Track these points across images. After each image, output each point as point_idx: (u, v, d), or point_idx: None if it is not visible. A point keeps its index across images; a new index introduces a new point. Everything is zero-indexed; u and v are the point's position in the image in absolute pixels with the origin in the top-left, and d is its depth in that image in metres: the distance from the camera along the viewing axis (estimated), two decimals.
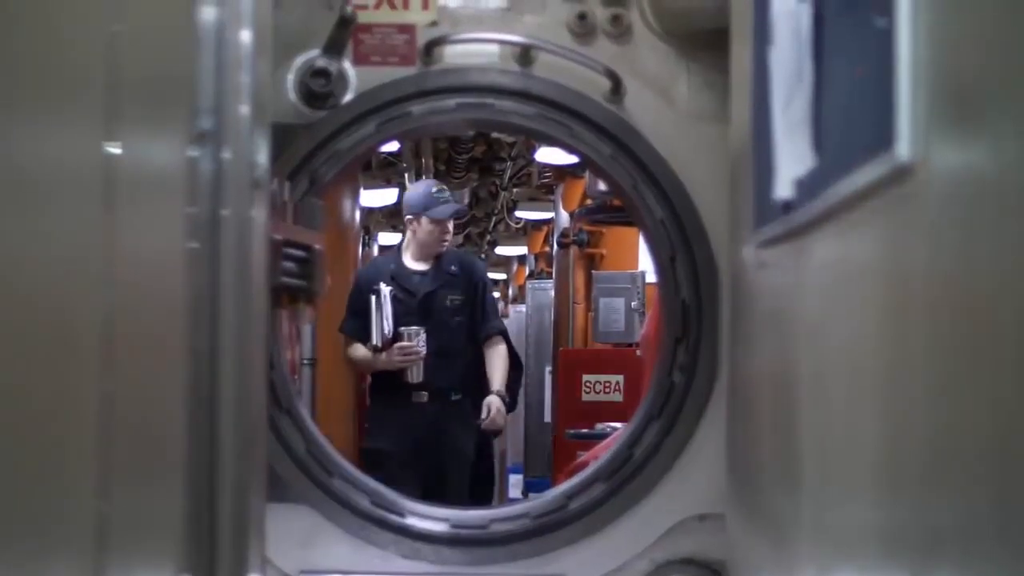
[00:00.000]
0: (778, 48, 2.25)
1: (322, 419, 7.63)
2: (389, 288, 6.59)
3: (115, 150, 1.52)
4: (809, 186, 2.11)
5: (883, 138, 1.59)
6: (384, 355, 6.61)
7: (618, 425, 7.13)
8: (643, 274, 10.12)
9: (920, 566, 1.52)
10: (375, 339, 6.51)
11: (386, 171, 13.43)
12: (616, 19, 3.92)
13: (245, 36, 2.22)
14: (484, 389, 7.06)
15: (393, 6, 3.94)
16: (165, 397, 1.88)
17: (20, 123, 1.24)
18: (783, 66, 2.22)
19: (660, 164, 3.79)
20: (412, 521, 3.86)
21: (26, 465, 1.26)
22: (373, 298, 6.50)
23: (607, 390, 9.99)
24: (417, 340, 6.58)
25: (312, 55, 3.86)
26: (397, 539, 3.83)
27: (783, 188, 2.28)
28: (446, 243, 6.97)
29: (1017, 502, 1.19)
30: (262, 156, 2.40)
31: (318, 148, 3.91)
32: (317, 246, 4.22)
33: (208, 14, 2.09)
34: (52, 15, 1.33)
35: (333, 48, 3.83)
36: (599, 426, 9.03)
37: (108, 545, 1.51)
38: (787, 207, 2.31)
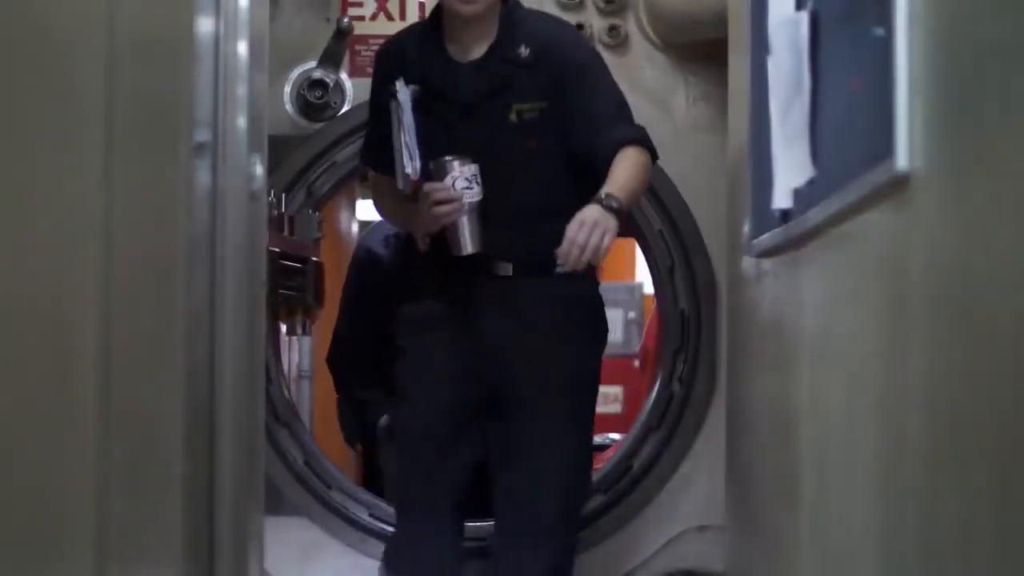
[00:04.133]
0: (776, 58, 2.25)
1: (320, 432, 7.60)
2: (411, 88, 3.36)
3: (113, 162, 1.52)
4: (808, 196, 2.11)
5: (881, 148, 1.59)
6: (414, 207, 3.42)
7: (617, 436, 7.11)
8: (641, 285, 10.13)
9: None
10: (400, 178, 3.35)
11: None
12: (613, 30, 3.92)
13: (242, 48, 2.22)
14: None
15: (390, 17, 3.95)
16: (164, 411, 1.87)
17: (19, 135, 1.24)
18: (781, 76, 2.22)
19: (658, 175, 3.79)
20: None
21: (25, 481, 1.26)
22: (393, 103, 3.36)
23: (605, 401, 9.96)
24: (454, 177, 3.29)
25: (309, 67, 3.87)
26: None
27: (781, 198, 2.28)
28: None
29: (1017, 515, 1.19)
30: (259, 168, 2.40)
31: (315, 160, 3.91)
32: (314, 258, 4.23)
33: (205, 26, 2.09)
34: (51, 27, 1.33)
35: (330, 60, 3.84)
36: (598, 437, 9.04)
37: (107, 560, 1.50)
38: (785, 217, 2.31)
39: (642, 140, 3.28)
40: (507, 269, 3.33)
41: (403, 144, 3.29)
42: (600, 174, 3.25)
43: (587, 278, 3.39)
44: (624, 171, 3.21)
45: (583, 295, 3.41)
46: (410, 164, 3.28)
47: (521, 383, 3.32)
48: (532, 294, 3.33)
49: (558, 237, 3.15)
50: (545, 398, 3.31)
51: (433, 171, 3.29)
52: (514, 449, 3.33)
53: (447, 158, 3.28)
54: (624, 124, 3.33)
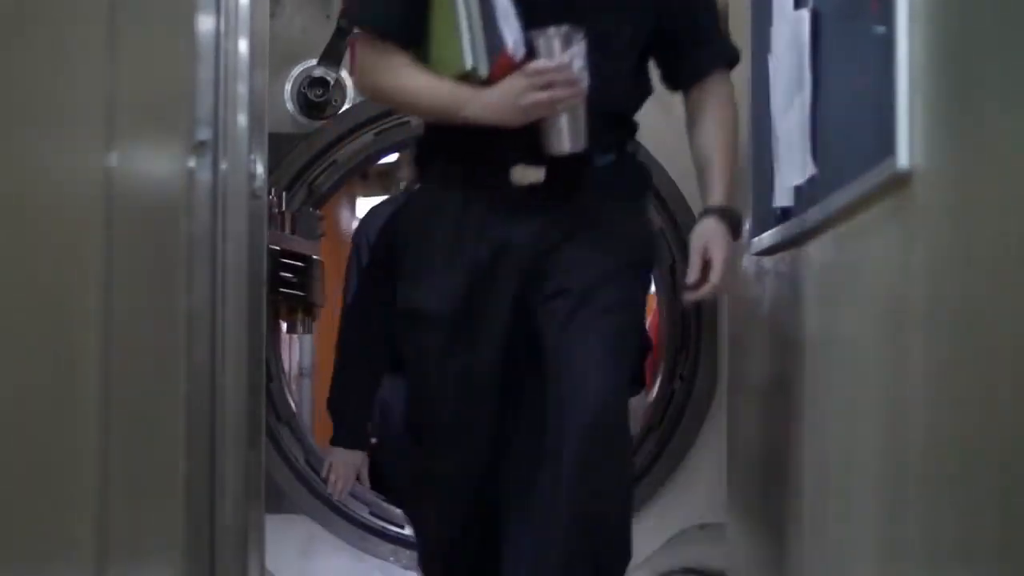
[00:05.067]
0: (777, 56, 2.25)
1: (321, 430, 7.60)
2: None
3: (114, 161, 1.52)
4: (808, 194, 2.11)
5: (882, 146, 1.59)
6: (496, 90, 2.49)
7: None
8: None
9: None
10: (468, 56, 2.50)
11: (384, 181, 13.44)
12: None
13: (243, 46, 2.22)
14: None
15: None
16: (164, 411, 1.87)
17: (20, 134, 1.24)
18: (782, 74, 2.22)
19: (659, 173, 3.78)
20: (412, 531, 3.85)
21: (26, 481, 1.26)
22: None
23: None
24: (572, 55, 2.50)
25: (309, 64, 3.86)
26: (396, 549, 3.83)
27: (782, 196, 2.28)
28: None
29: (1018, 516, 1.19)
30: (260, 166, 2.40)
31: (316, 158, 3.91)
32: (315, 257, 4.22)
33: (206, 24, 2.09)
34: (52, 25, 1.33)
35: (330, 57, 3.83)
36: None
37: (109, 559, 1.50)
38: (786, 215, 2.31)
39: (733, 62, 2.64)
40: (539, 174, 2.54)
41: (497, 10, 2.48)
42: (679, 81, 2.69)
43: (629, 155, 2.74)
44: (722, 143, 2.58)
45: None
46: (511, 36, 2.47)
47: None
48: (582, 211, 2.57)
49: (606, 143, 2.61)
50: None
51: (538, 47, 2.48)
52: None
53: (560, 29, 2.47)
54: (718, 35, 2.66)
